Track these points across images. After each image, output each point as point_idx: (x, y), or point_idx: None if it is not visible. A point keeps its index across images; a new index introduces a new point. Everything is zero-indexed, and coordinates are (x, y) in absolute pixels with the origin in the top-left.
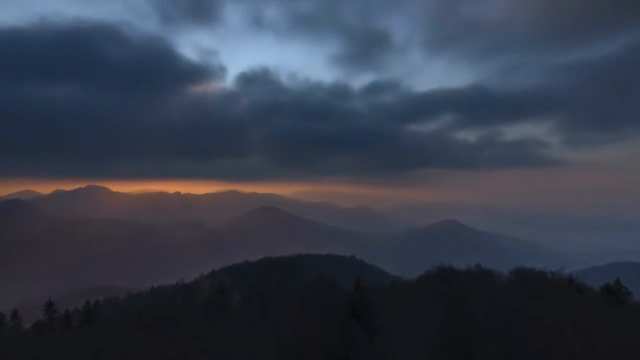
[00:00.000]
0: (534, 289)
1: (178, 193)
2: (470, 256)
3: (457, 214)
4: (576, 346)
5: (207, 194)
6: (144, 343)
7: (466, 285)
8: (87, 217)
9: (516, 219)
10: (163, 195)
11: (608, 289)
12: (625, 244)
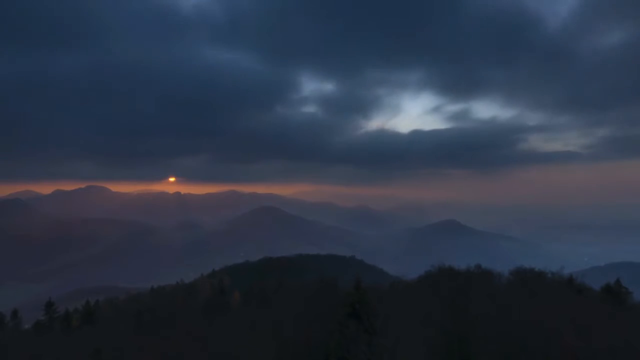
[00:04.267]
0: (534, 289)
1: (178, 193)
2: (470, 256)
3: (457, 214)
4: (576, 346)
5: (207, 194)
6: (144, 343)
7: (466, 285)
8: (87, 217)
9: (516, 219)
10: (163, 195)
11: (608, 289)
12: (625, 244)
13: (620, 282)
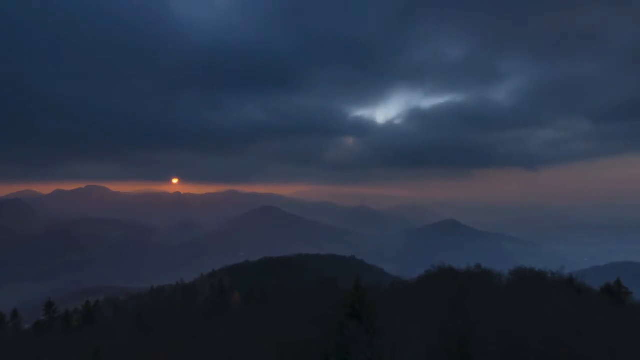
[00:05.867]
0: (534, 289)
1: (178, 193)
2: (470, 256)
3: (457, 214)
4: (576, 346)
5: (207, 194)
6: (144, 343)
7: (466, 285)
8: (87, 217)
9: (516, 219)
10: (163, 195)
11: (608, 289)
12: (625, 244)
13: (620, 282)
